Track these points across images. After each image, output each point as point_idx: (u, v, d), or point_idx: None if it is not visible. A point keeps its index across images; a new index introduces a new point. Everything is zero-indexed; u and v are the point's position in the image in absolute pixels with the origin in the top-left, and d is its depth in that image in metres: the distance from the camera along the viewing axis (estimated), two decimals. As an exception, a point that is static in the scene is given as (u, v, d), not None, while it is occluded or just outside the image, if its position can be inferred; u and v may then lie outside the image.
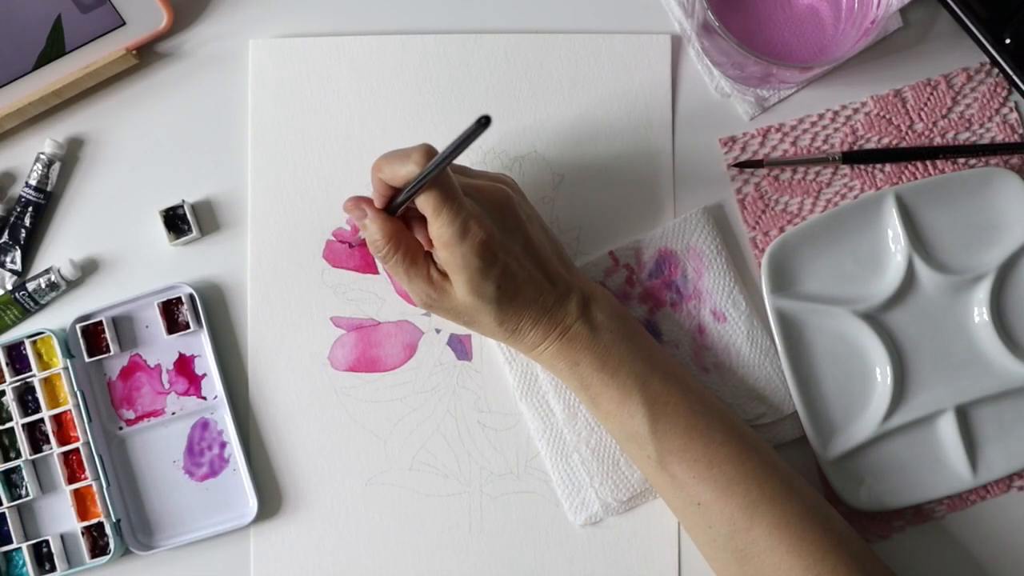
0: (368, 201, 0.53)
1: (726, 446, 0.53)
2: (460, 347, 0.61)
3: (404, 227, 0.53)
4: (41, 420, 0.59)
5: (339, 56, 0.62)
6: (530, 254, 0.53)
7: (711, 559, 0.55)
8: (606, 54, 0.62)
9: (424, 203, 0.50)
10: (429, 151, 0.49)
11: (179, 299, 0.59)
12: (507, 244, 0.52)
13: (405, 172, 0.49)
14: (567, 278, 0.55)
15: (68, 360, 0.59)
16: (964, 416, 0.58)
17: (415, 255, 0.53)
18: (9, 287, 0.61)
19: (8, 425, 0.59)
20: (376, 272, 0.61)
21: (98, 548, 0.59)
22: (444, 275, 0.53)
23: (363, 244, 0.61)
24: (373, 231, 0.52)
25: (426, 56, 0.62)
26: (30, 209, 0.61)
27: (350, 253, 0.61)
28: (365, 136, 0.62)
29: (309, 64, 0.62)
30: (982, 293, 0.59)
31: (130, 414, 0.60)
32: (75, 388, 0.59)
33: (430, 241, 0.52)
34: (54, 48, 0.58)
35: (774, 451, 0.55)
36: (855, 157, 0.60)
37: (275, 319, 0.61)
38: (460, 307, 0.53)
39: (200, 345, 0.60)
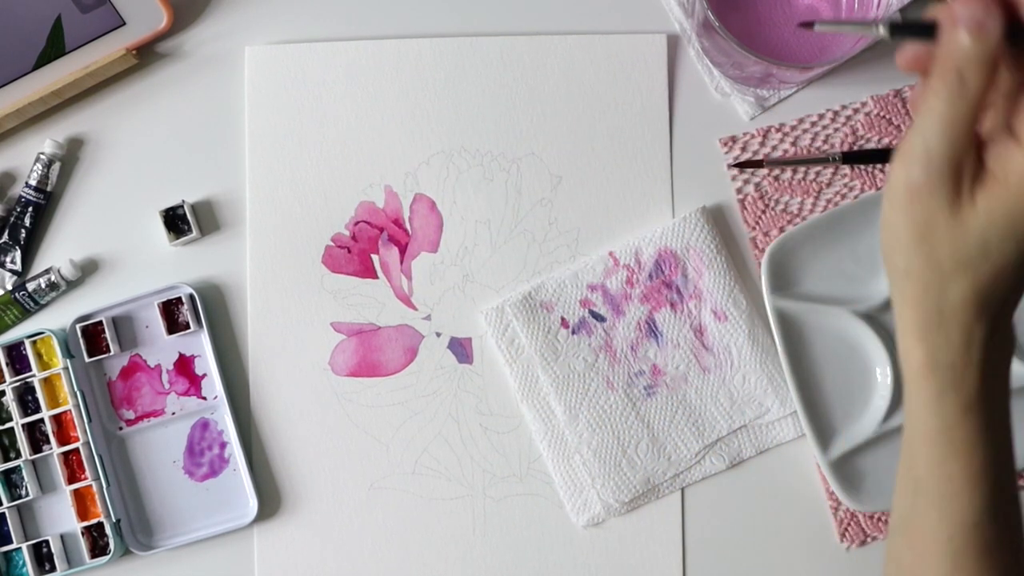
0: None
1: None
2: (461, 350, 0.61)
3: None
4: (41, 420, 0.59)
5: (335, 61, 0.62)
6: None
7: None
8: (602, 54, 0.62)
9: None
10: None
11: (179, 299, 0.59)
12: None
13: None
14: None
15: (68, 360, 0.59)
16: (965, 416, 0.58)
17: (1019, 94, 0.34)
18: (9, 287, 0.61)
19: (8, 425, 0.59)
20: (375, 277, 0.61)
21: (98, 548, 0.59)
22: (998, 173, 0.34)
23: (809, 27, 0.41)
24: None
25: (422, 60, 0.62)
26: (30, 209, 0.61)
27: (349, 258, 0.61)
28: (362, 141, 0.62)
29: (305, 69, 0.62)
30: (982, 293, 0.58)
31: (130, 414, 0.60)
32: (75, 388, 0.59)
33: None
34: (54, 48, 0.58)
35: None
36: (855, 157, 0.60)
37: (275, 325, 0.61)
38: (975, 227, 0.34)
39: (200, 345, 0.60)
